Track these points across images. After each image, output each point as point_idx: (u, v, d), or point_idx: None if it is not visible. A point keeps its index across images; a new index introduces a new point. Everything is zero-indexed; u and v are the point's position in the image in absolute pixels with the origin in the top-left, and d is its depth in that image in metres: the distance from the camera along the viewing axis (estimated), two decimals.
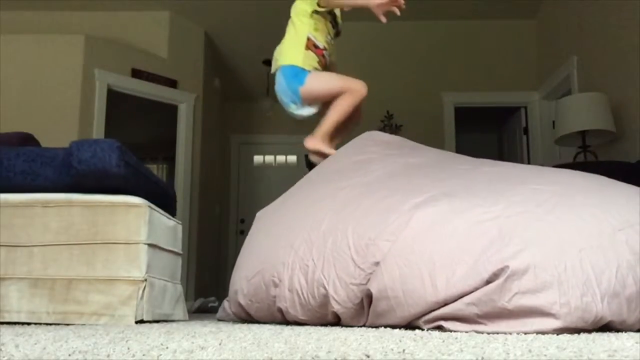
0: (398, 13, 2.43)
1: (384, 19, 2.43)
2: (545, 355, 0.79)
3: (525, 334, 1.20)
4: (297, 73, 2.55)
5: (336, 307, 1.61)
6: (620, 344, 0.92)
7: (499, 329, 1.27)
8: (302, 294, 1.69)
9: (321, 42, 2.63)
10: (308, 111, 2.63)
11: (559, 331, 1.21)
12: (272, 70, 2.69)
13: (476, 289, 1.31)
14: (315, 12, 2.60)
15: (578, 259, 1.30)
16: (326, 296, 1.62)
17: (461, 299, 1.34)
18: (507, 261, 1.29)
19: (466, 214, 1.47)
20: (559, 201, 1.49)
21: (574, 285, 1.25)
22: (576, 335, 1.16)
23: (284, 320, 1.81)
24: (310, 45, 2.59)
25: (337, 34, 2.79)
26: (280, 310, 1.79)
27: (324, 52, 2.65)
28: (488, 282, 1.30)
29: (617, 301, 1.28)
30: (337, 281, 1.60)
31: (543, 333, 1.20)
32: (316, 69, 2.61)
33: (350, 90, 2.53)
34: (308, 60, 2.58)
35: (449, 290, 1.35)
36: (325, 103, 2.63)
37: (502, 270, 1.28)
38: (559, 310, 1.22)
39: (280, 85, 2.61)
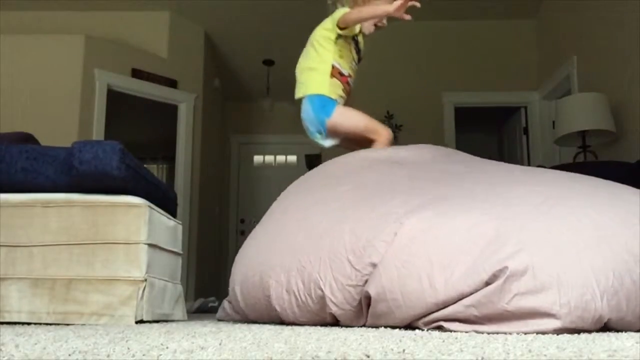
0: (418, 5, 2.41)
1: (407, 17, 2.42)
2: (545, 355, 0.79)
3: (525, 334, 1.20)
4: (325, 104, 2.52)
5: (334, 309, 1.60)
6: (620, 344, 0.92)
7: (499, 330, 1.27)
8: (300, 295, 1.69)
9: (346, 69, 2.61)
10: (330, 142, 2.60)
11: (559, 331, 1.21)
12: (297, 96, 2.64)
13: (476, 290, 1.31)
14: (338, 36, 2.56)
15: (577, 259, 1.30)
16: (323, 298, 1.61)
17: (460, 301, 1.33)
18: (506, 262, 1.28)
19: (464, 216, 1.46)
20: (556, 202, 1.49)
21: (573, 285, 1.25)
22: (576, 335, 1.16)
23: (282, 321, 1.80)
24: (336, 73, 2.56)
25: (359, 60, 2.76)
26: (277, 311, 1.78)
27: (349, 79, 2.63)
28: (487, 283, 1.30)
29: (616, 300, 1.28)
30: (333, 282, 1.59)
31: (543, 333, 1.20)
32: (341, 97, 2.59)
33: (375, 134, 2.51)
34: (334, 88, 2.55)
35: (448, 291, 1.35)
36: (345, 137, 2.61)
37: (501, 271, 1.28)
38: (559, 310, 1.22)
39: (307, 114, 2.57)
